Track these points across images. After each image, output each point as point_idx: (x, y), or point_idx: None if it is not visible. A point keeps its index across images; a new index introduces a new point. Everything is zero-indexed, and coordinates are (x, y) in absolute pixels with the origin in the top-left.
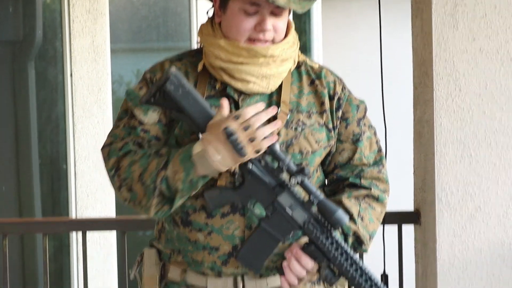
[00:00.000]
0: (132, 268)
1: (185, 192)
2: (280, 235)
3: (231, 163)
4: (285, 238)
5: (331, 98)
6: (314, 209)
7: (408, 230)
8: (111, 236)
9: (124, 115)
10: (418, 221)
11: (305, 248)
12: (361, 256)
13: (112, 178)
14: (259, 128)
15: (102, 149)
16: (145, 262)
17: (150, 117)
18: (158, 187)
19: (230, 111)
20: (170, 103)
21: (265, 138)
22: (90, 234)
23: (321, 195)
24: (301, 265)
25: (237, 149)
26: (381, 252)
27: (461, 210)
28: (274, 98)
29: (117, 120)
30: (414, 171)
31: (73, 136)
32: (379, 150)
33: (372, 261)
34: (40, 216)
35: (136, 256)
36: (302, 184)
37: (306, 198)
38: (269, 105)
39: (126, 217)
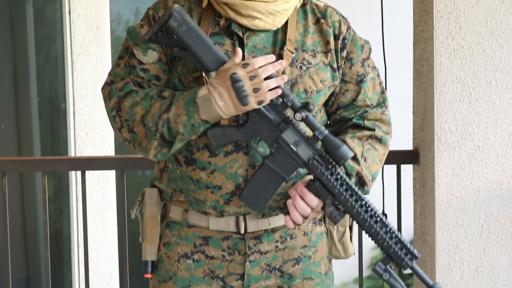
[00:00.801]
0: (133, 207)
1: (185, 135)
2: (285, 173)
3: (233, 110)
4: (289, 176)
5: (336, 38)
6: (319, 145)
7: (407, 169)
8: (110, 175)
9: (125, 53)
10: (417, 161)
11: (309, 185)
12: None
13: (113, 119)
14: (266, 80)
15: (103, 88)
16: (146, 202)
17: (150, 56)
18: (159, 130)
19: (234, 48)
20: (173, 41)
21: (270, 90)
22: (89, 173)
23: (325, 131)
24: (305, 203)
25: (241, 96)
26: (380, 192)
27: (460, 149)
28: (279, 36)
29: (118, 59)
30: (413, 110)
31: (72, 74)
32: (382, 91)
33: (372, 201)
34: (39, 155)
35: (135, 195)
36: (306, 120)
37: (311, 134)
38: (273, 43)
39: (125, 156)
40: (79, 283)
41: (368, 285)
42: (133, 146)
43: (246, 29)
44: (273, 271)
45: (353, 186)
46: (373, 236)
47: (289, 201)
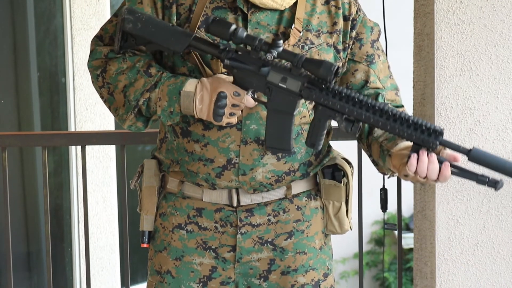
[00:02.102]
0: (133, 178)
1: (162, 119)
2: (289, 110)
3: (204, 117)
4: (295, 111)
5: (346, 19)
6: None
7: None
8: (110, 150)
9: (120, 12)
10: None
11: (314, 114)
12: (360, 172)
13: (95, 76)
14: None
15: (92, 40)
16: (145, 173)
17: None
18: (139, 106)
19: (237, 23)
20: (139, 40)
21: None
22: (89, 148)
23: (303, 56)
24: None
25: (217, 113)
26: None
27: (460, 124)
28: (285, 14)
29: (113, 15)
30: (413, 85)
31: (72, 49)
32: (391, 76)
33: (371, 176)
34: (39, 130)
35: (135, 170)
36: (281, 55)
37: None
38: (278, 21)
39: (125, 130)
40: (79, 257)
41: (368, 260)
42: (108, 107)
43: (251, 5)
44: (265, 244)
45: (353, 94)
46: (391, 131)
47: None
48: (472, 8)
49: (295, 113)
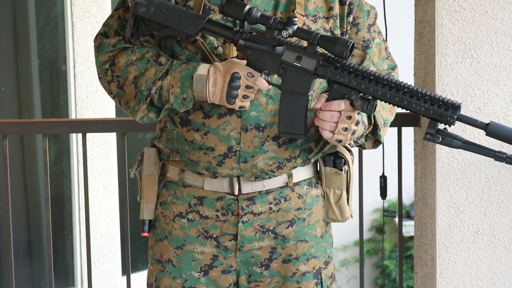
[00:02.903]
0: (133, 167)
1: (175, 106)
2: (304, 91)
3: (217, 100)
4: (309, 92)
5: (342, 3)
6: (319, 50)
7: (408, 131)
8: (111, 137)
9: (121, 5)
10: (418, 123)
11: (329, 94)
12: (361, 159)
13: (104, 71)
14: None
15: (95, 38)
16: (144, 161)
17: None
18: (151, 95)
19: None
20: (152, 25)
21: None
22: (90, 136)
23: (318, 34)
24: (330, 111)
25: (230, 95)
26: (380, 154)
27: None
28: (281, 0)
29: (114, 10)
30: (414, 73)
31: (72, 36)
32: (388, 57)
33: (372, 163)
34: (39, 117)
35: (135, 158)
36: (295, 34)
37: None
38: (275, 6)
39: (126, 118)
40: (80, 245)
41: (368, 247)
42: (118, 102)
43: None
44: (267, 233)
45: (369, 71)
46: (408, 107)
47: (316, 119)
48: None
49: (309, 94)
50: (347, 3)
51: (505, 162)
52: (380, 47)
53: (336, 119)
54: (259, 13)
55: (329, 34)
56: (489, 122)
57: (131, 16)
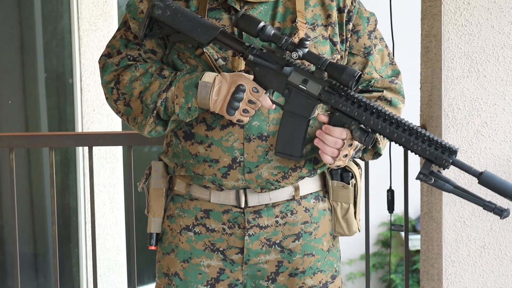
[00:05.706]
0: (140, 180)
1: (180, 117)
2: (305, 114)
3: (217, 109)
4: (310, 116)
5: (341, 11)
6: (326, 75)
7: None
8: (117, 150)
9: (123, 26)
10: None
11: (330, 119)
12: (367, 173)
13: (110, 90)
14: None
15: (99, 59)
16: (152, 175)
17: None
18: (157, 108)
19: (232, 22)
20: (166, 29)
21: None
22: (96, 149)
23: (327, 60)
24: (333, 137)
25: (231, 106)
26: (387, 169)
27: (468, 125)
28: (278, 10)
29: (116, 31)
30: (421, 86)
31: (79, 50)
32: (392, 63)
33: (379, 177)
34: (46, 131)
35: (142, 171)
36: (304, 56)
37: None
38: (272, 17)
39: (132, 131)
40: (86, 258)
41: (374, 261)
42: (126, 119)
43: (244, 2)
44: (273, 246)
45: (372, 104)
46: (405, 145)
47: (316, 140)
48: (479, 10)
49: (310, 118)
50: (346, 10)
51: (493, 213)
52: (382, 53)
53: (339, 146)
54: (272, 32)
55: (327, 41)
56: (482, 171)
57: (146, 17)
